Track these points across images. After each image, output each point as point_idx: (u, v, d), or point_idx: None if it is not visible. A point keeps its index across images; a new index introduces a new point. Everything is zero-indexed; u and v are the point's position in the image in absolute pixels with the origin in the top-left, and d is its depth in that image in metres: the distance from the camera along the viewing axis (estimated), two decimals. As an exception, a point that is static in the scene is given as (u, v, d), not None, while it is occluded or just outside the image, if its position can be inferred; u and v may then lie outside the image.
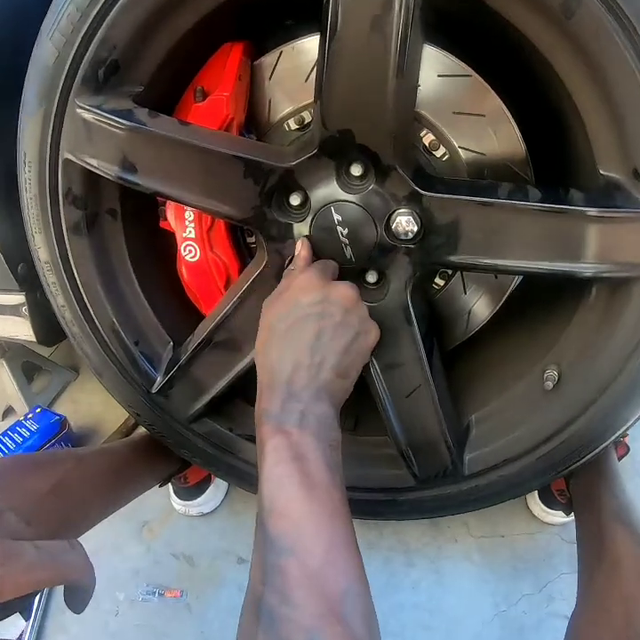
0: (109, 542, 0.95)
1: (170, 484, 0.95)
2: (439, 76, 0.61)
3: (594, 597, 0.59)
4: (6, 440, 1.05)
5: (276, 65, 0.66)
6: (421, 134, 0.64)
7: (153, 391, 0.73)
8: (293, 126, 0.68)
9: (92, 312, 0.70)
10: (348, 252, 0.61)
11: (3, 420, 1.20)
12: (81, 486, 0.68)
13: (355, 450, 0.75)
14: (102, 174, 0.61)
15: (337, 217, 0.59)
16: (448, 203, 0.57)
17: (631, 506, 0.67)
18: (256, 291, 0.65)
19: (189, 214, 0.69)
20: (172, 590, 0.90)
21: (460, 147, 0.63)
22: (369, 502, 0.75)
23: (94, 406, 1.21)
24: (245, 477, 0.78)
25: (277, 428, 0.46)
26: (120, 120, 0.58)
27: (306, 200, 0.60)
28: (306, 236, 0.60)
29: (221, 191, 0.60)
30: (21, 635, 0.85)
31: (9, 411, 1.21)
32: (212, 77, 0.65)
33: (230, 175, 0.59)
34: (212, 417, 0.76)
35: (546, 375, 0.65)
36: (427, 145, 0.64)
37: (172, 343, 0.74)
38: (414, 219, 0.58)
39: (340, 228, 0.60)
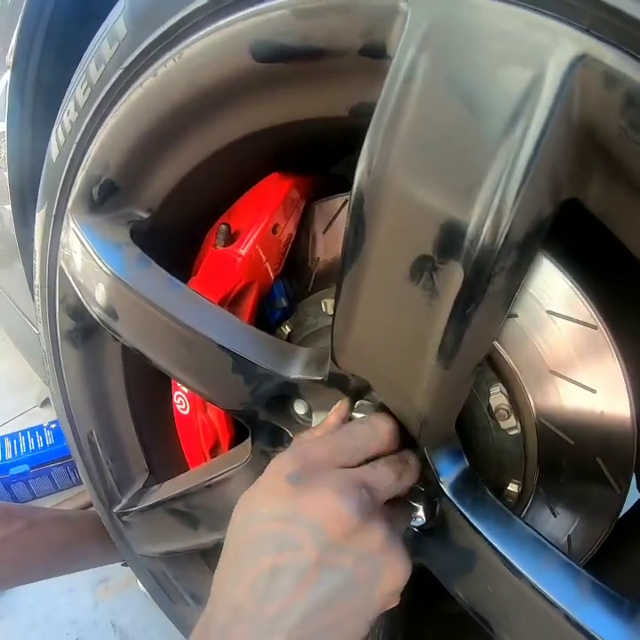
0: (64, 580, 0.89)
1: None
2: (549, 312, 0.39)
3: None
4: (21, 439, 1.06)
5: (336, 215, 0.48)
6: (491, 389, 0.42)
7: (114, 511, 0.67)
8: (330, 310, 0.47)
9: (73, 415, 0.64)
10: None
11: (41, 407, 1.24)
12: (23, 552, 0.67)
13: None
14: (85, 305, 0.52)
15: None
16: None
17: None
18: (228, 482, 0.53)
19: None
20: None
21: (540, 418, 0.41)
22: None
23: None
24: (181, 627, 0.70)
25: None
26: (100, 260, 0.46)
27: (310, 412, 0.46)
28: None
29: (205, 376, 0.47)
30: None
31: (48, 401, 1.24)
32: (244, 216, 0.50)
33: (216, 364, 0.44)
34: (166, 561, 0.67)
35: None
36: (493, 408, 0.42)
37: (149, 473, 0.66)
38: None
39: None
